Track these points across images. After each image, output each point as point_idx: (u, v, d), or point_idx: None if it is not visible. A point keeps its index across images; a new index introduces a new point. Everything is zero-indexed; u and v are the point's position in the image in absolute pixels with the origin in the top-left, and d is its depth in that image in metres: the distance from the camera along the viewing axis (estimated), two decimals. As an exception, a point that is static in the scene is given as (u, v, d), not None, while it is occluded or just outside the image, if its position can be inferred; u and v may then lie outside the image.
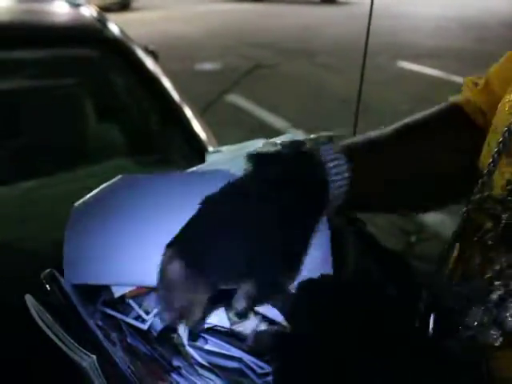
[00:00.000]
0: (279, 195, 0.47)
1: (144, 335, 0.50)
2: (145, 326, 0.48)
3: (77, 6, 1.97)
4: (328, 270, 0.49)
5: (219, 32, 9.66)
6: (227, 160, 0.57)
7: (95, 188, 0.58)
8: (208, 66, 6.78)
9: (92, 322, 0.50)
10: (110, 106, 1.72)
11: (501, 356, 0.44)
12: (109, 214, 0.54)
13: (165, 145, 1.49)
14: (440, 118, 0.60)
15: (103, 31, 1.61)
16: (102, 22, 1.68)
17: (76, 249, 0.53)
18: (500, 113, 0.53)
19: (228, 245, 0.45)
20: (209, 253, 0.45)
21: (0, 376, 0.94)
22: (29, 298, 0.49)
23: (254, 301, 0.45)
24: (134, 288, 0.50)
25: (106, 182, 0.58)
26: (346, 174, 0.49)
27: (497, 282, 0.44)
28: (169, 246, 0.47)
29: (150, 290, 0.49)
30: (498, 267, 0.45)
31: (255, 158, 0.49)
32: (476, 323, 0.44)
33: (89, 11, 1.84)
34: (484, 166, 0.52)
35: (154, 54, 1.96)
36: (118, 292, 0.50)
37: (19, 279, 0.99)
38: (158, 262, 0.47)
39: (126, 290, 0.50)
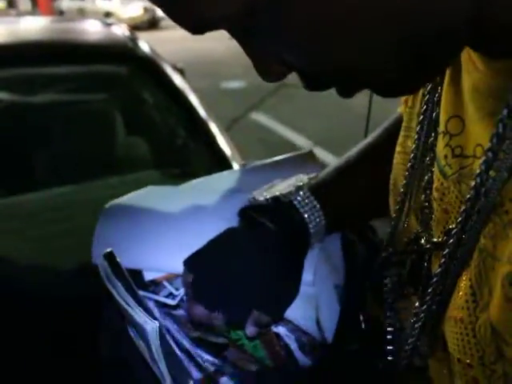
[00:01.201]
0: (270, 247, 0.58)
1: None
2: (174, 302, 0.56)
3: (109, 25, 2.06)
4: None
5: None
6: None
7: (123, 195, 0.67)
8: (234, 84, 6.90)
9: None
10: (139, 121, 1.79)
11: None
12: (138, 213, 0.63)
13: (190, 159, 1.55)
14: (389, 134, 0.64)
15: (134, 49, 1.68)
16: (133, 40, 1.75)
17: (106, 236, 0.61)
18: (395, 165, 0.56)
19: (239, 282, 0.57)
20: (224, 290, 0.56)
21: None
22: (101, 263, 0.55)
23: (261, 326, 0.56)
24: (164, 274, 0.57)
25: (133, 190, 0.68)
26: (321, 214, 0.60)
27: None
28: (187, 262, 0.58)
29: (176, 275, 0.57)
30: None
31: (248, 212, 0.61)
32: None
33: (120, 30, 1.92)
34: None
35: (181, 72, 2.03)
36: (148, 276, 0.58)
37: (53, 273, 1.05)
38: (182, 255, 0.57)
39: (156, 275, 0.58)
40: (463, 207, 0.40)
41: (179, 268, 0.58)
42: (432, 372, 0.49)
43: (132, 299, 0.52)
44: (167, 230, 0.62)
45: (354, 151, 0.66)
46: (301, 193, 0.60)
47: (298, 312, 0.58)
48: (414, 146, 0.50)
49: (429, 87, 0.47)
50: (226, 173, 0.70)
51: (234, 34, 0.38)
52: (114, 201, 0.66)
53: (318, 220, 0.60)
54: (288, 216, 0.60)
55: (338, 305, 0.60)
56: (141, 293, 0.58)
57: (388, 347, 0.52)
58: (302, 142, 4.75)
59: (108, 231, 0.62)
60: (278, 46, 0.35)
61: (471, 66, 0.40)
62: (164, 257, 0.60)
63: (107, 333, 0.63)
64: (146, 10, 14.25)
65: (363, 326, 0.61)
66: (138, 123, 1.79)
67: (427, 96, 0.48)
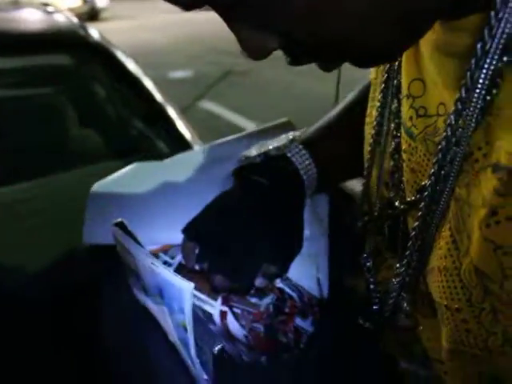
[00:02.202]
0: (268, 202, 0.59)
1: None
2: (171, 270, 0.57)
3: (50, 13, 1.99)
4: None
5: (190, 40, 9.72)
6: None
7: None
8: (181, 73, 6.84)
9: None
10: (95, 110, 1.76)
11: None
12: (127, 189, 0.64)
13: (152, 145, 1.54)
14: (361, 98, 0.66)
15: (86, 37, 1.64)
16: (83, 27, 1.71)
17: (98, 215, 0.61)
18: (365, 136, 0.58)
19: (243, 238, 0.57)
20: (234, 247, 0.57)
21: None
22: (115, 230, 0.55)
23: (271, 278, 0.57)
24: (159, 246, 0.59)
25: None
26: (313, 166, 0.61)
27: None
28: (187, 231, 0.58)
29: (172, 246, 0.59)
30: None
31: (243, 171, 0.61)
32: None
33: (67, 18, 1.86)
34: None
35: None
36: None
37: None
38: (176, 225, 0.58)
39: (152, 247, 0.60)
40: (435, 159, 0.42)
41: (174, 238, 0.59)
42: (422, 329, 0.52)
43: (158, 261, 0.52)
44: (158, 203, 0.63)
45: (332, 114, 0.68)
46: (293, 145, 0.61)
47: (298, 269, 0.60)
48: (376, 113, 0.54)
49: None
50: (206, 146, 0.70)
51: (224, 10, 0.37)
52: (101, 181, 0.66)
53: (310, 171, 0.61)
54: (282, 169, 0.60)
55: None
56: None
57: (373, 307, 0.55)
58: (253, 127, 4.78)
59: (98, 210, 0.62)
60: (280, 19, 0.35)
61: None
62: (158, 229, 0.61)
63: (110, 311, 0.63)
64: (84, 1, 13.85)
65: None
66: (94, 113, 1.76)
67: (388, 65, 0.51)
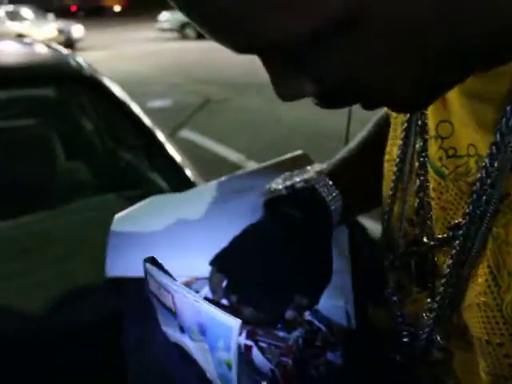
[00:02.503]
0: (298, 233, 0.59)
1: None
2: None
3: (30, 44, 1.96)
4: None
5: (166, 70, 9.79)
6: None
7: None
8: (159, 102, 6.86)
9: None
10: (87, 143, 1.74)
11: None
12: (148, 222, 0.63)
13: (147, 177, 1.52)
14: (381, 130, 0.68)
15: (79, 67, 1.61)
16: (74, 58, 1.68)
17: (119, 248, 0.61)
18: (384, 174, 0.60)
19: (275, 269, 0.57)
20: (265, 278, 0.57)
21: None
22: (149, 266, 0.55)
23: (302, 310, 0.58)
24: (184, 279, 0.59)
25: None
26: (339, 197, 0.62)
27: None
28: (216, 262, 0.59)
29: (195, 279, 0.58)
30: None
31: (272, 203, 0.62)
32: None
33: (51, 48, 1.83)
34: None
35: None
36: None
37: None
38: (199, 258, 0.58)
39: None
40: (470, 200, 0.43)
41: (198, 271, 0.59)
42: (456, 361, 0.52)
43: (200, 298, 0.51)
44: (178, 236, 0.63)
45: (353, 144, 0.69)
46: (321, 177, 0.62)
47: (326, 301, 0.60)
48: (399, 152, 0.55)
49: None
50: (223, 179, 0.71)
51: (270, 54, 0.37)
52: (120, 213, 0.66)
53: (337, 202, 0.62)
54: (311, 201, 0.61)
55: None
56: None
57: (404, 339, 0.55)
58: (234, 156, 4.80)
59: (119, 243, 0.63)
60: (341, 66, 0.36)
61: None
62: (180, 262, 0.61)
63: (136, 356, 0.61)
64: (60, 31, 13.89)
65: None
66: (83, 145, 1.74)
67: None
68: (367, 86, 0.37)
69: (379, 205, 0.68)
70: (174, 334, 0.57)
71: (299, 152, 0.73)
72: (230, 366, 0.48)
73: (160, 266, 0.54)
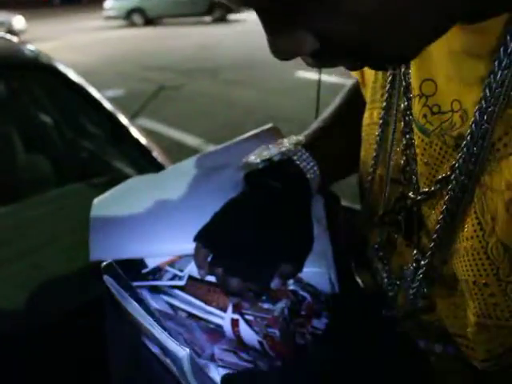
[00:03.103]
0: (279, 203, 0.61)
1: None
2: (182, 282, 0.56)
3: None
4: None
5: (115, 59, 9.58)
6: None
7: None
8: (111, 92, 6.71)
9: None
10: (44, 135, 1.70)
11: None
12: (128, 203, 0.63)
13: (115, 160, 1.51)
14: (351, 100, 0.71)
15: (37, 58, 1.57)
16: (27, 46, 1.63)
17: (101, 232, 0.61)
18: (364, 138, 0.62)
19: (258, 239, 0.59)
20: (250, 249, 0.58)
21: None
22: (108, 280, 0.55)
23: (287, 278, 0.59)
24: (165, 259, 0.59)
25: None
26: (317, 167, 0.64)
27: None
28: (199, 237, 0.59)
29: (178, 257, 0.58)
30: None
31: (252, 176, 0.63)
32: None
33: (8, 39, 1.77)
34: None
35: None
36: (151, 264, 0.59)
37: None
38: (181, 236, 0.59)
39: (159, 260, 0.59)
40: (460, 153, 0.46)
41: (180, 250, 0.59)
42: (440, 309, 0.55)
43: (151, 318, 0.51)
44: (159, 215, 0.63)
45: (325, 115, 0.72)
46: (297, 149, 0.64)
47: (308, 269, 0.62)
48: (382, 113, 0.57)
49: None
50: (196, 156, 0.71)
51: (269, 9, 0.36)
52: (100, 196, 0.65)
53: (314, 173, 0.64)
54: (290, 172, 0.63)
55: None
56: (145, 283, 0.60)
57: (390, 294, 0.58)
58: (193, 141, 4.78)
59: (101, 226, 0.62)
60: (330, 17, 0.35)
61: None
62: (163, 241, 0.61)
63: (119, 348, 0.62)
64: (1, 23, 13.36)
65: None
66: (43, 137, 1.70)
67: (391, 73, 0.55)
68: (367, 37, 0.37)
69: (352, 172, 0.70)
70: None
71: (270, 125, 0.74)
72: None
73: (116, 274, 0.54)
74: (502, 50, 0.41)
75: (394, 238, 0.59)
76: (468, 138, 0.45)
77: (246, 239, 0.59)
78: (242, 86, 6.77)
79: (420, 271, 0.53)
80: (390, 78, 0.56)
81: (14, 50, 1.61)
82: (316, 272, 0.63)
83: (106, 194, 0.66)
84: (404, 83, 0.54)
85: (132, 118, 5.05)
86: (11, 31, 13.43)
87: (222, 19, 14.82)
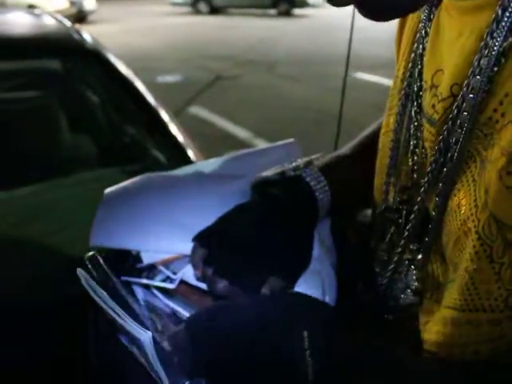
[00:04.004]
0: (283, 217, 0.60)
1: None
2: (173, 285, 0.56)
3: (38, 16, 1.95)
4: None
5: (178, 45, 9.73)
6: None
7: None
8: (170, 78, 6.83)
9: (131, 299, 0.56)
10: (87, 116, 1.74)
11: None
12: (137, 198, 0.64)
13: (146, 152, 1.53)
14: (374, 137, 0.70)
15: (82, 41, 1.62)
16: (78, 32, 1.68)
17: (107, 220, 0.62)
18: (380, 148, 0.62)
19: (254, 248, 0.59)
20: (243, 255, 0.58)
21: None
22: (81, 273, 0.55)
23: (275, 291, 0.58)
24: (161, 258, 0.59)
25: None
26: (327, 189, 0.63)
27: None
28: (199, 238, 0.60)
29: (176, 257, 0.58)
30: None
31: (261, 185, 0.63)
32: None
33: (56, 20, 1.83)
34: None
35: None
36: (147, 259, 0.59)
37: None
38: (182, 237, 0.59)
39: (155, 258, 0.59)
40: (445, 127, 0.46)
41: (180, 249, 0.59)
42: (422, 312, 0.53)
43: (119, 307, 0.51)
44: (166, 212, 0.63)
45: (349, 145, 0.72)
46: (309, 168, 0.64)
47: (304, 283, 0.60)
48: (398, 117, 0.57)
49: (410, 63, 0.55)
50: (213, 160, 0.71)
51: None
52: (112, 188, 0.67)
53: (324, 194, 0.63)
54: (298, 188, 0.63)
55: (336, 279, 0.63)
56: (135, 279, 0.60)
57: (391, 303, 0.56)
58: (242, 133, 4.79)
59: (107, 215, 0.63)
60: None
61: (446, 14, 0.49)
62: (164, 238, 0.62)
63: (95, 337, 0.63)
64: (72, 3, 13.78)
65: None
66: (86, 119, 1.74)
67: (409, 72, 0.56)
68: None
69: (364, 205, 0.70)
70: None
71: (291, 140, 0.74)
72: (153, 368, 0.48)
73: (95, 264, 0.54)
74: (495, 23, 0.43)
75: (396, 239, 0.57)
76: (455, 111, 0.46)
77: (243, 245, 0.58)
78: (298, 81, 6.73)
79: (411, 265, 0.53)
80: (408, 74, 0.56)
81: (64, 35, 1.65)
82: (311, 293, 0.61)
83: (118, 186, 0.67)
84: (418, 82, 0.54)
85: (186, 104, 5.14)
86: (82, 11, 13.86)
87: (286, 13, 14.77)
